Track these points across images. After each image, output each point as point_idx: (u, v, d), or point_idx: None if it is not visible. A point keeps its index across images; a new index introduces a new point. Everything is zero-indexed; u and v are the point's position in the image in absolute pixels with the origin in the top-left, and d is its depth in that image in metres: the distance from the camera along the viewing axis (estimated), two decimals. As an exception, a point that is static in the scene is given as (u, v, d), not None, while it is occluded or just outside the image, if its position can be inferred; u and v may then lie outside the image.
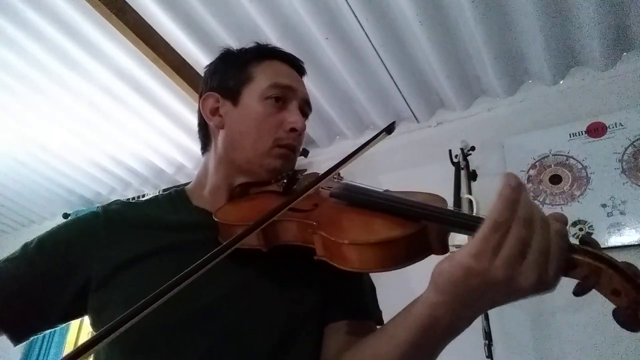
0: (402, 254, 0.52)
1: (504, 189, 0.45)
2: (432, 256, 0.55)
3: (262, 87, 0.78)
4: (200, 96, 0.84)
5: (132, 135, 2.75)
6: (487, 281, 0.43)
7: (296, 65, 0.85)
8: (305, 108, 0.83)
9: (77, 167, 3.13)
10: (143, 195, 3.21)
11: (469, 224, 0.49)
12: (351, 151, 0.67)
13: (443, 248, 0.54)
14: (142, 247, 0.69)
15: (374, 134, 0.70)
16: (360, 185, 0.68)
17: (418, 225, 0.53)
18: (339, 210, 0.64)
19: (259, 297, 0.68)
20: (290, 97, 0.79)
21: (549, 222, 0.45)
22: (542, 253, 0.43)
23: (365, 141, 0.69)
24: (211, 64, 0.88)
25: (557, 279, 0.44)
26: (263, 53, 0.83)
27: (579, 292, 0.45)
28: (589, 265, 0.44)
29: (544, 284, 0.44)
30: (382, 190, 0.67)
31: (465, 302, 0.46)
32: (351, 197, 0.65)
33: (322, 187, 0.72)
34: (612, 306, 0.44)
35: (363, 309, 0.75)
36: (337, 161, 0.65)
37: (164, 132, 2.71)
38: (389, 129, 0.71)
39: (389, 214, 0.57)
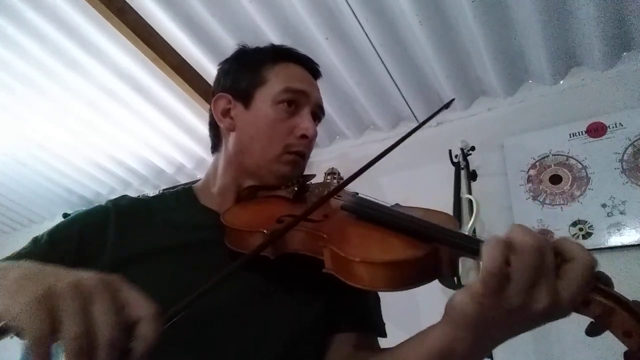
0: (411, 276, 0.51)
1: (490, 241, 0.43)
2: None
3: (275, 91, 0.77)
4: (213, 95, 0.83)
5: (132, 135, 2.75)
6: (502, 312, 0.43)
7: (311, 68, 0.84)
8: (318, 112, 0.82)
9: (77, 167, 3.13)
10: (143, 196, 3.20)
11: (480, 250, 0.47)
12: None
13: (453, 269, 0.53)
14: (149, 245, 0.69)
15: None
16: (371, 199, 0.67)
17: (430, 248, 0.52)
18: (350, 224, 0.63)
19: (263, 304, 0.68)
20: (303, 102, 0.78)
21: (566, 248, 0.43)
22: (554, 278, 0.42)
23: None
24: (225, 62, 0.86)
25: (572, 307, 0.43)
26: (278, 55, 0.82)
27: (592, 332, 0.44)
28: (602, 305, 0.43)
29: (557, 309, 0.43)
30: (392, 205, 0.66)
31: (481, 334, 0.46)
32: (363, 212, 0.64)
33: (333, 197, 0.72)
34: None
35: (368, 322, 0.74)
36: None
37: (164, 132, 2.70)
38: (447, 105, 0.69)
39: (401, 232, 0.56)
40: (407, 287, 0.51)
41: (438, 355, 0.49)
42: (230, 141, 0.80)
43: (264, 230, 0.62)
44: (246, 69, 0.81)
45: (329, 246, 0.56)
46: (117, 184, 3.32)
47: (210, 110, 0.83)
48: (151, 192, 3.20)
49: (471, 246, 0.48)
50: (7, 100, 2.49)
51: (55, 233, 0.71)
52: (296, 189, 0.74)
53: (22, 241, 0.72)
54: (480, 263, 0.43)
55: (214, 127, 0.84)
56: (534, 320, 0.44)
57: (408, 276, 0.51)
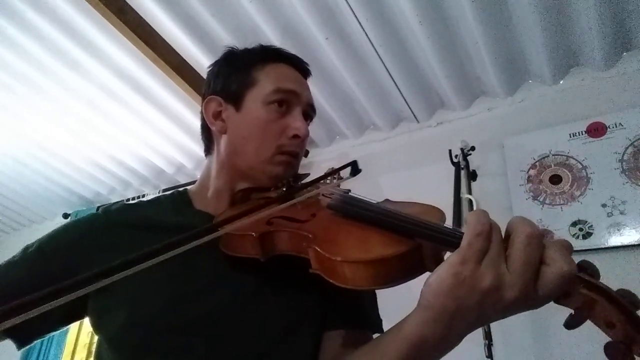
0: (395, 273, 0.51)
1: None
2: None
3: (266, 91, 0.77)
4: (203, 98, 0.83)
5: (132, 135, 2.75)
6: (474, 289, 0.44)
7: (301, 68, 0.84)
8: (309, 112, 0.82)
9: (77, 167, 3.13)
10: (143, 196, 3.21)
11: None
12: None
13: (437, 265, 0.52)
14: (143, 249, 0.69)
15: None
16: (359, 197, 0.66)
17: (412, 243, 0.51)
18: (335, 223, 0.63)
19: (257, 306, 0.68)
20: (294, 102, 0.78)
21: (541, 239, 0.45)
22: (527, 265, 0.43)
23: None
24: (214, 65, 0.86)
25: (545, 299, 0.44)
26: (267, 55, 0.82)
27: (570, 324, 0.44)
28: (583, 296, 0.43)
29: (529, 300, 0.44)
30: (381, 202, 0.66)
31: (454, 315, 0.46)
32: (347, 210, 0.64)
33: (323, 195, 0.72)
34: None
35: (361, 319, 0.74)
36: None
37: (164, 132, 2.71)
38: (354, 169, 0.70)
39: (384, 229, 0.56)
40: (391, 284, 0.51)
41: (415, 341, 0.49)
42: (222, 143, 0.80)
43: (253, 233, 0.62)
44: (236, 71, 0.81)
45: (312, 246, 0.56)
46: (117, 184, 3.32)
47: (201, 113, 0.83)
48: (151, 192, 3.20)
49: (454, 240, 0.48)
50: (7, 100, 2.49)
51: (44, 243, 0.71)
52: (285, 189, 0.74)
53: (22, 241, 0.72)
54: (465, 227, 0.45)
55: (205, 130, 0.84)
56: (506, 308, 0.45)
57: (391, 273, 0.51)
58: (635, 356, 0.40)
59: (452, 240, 0.49)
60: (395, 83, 2.15)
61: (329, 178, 0.79)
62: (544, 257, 0.44)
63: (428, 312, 0.47)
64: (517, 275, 0.43)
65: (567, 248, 0.45)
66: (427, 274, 0.52)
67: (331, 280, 0.54)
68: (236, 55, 0.84)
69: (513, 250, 0.44)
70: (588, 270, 0.45)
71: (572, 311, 0.44)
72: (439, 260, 0.52)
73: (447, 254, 0.52)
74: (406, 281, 0.51)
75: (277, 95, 0.76)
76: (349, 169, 0.76)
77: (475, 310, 0.45)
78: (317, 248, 0.56)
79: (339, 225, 0.62)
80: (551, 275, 0.43)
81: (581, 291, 0.43)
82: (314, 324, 0.70)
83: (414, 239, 0.52)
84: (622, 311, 0.41)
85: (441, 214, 0.59)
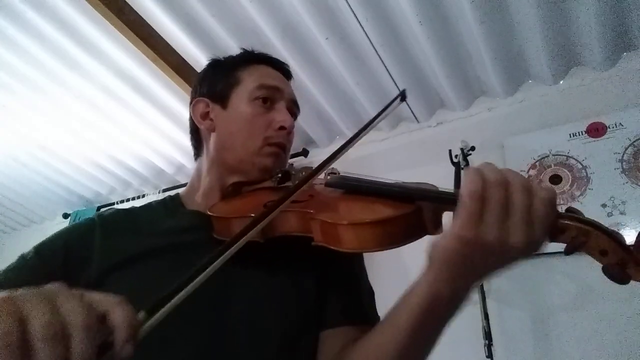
0: (399, 233, 0.54)
1: (468, 169, 0.48)
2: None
3: (250, 88, 0.80)
4: (191, 103, 0.86)
5: (132, 135, 2.75)
6: (480, 246, 0.45)
7: (282, 69, 0.88)
8: (293, 108, 0.86)
9: (77, 167, 3.13)
10: (143, 196, 3.21)
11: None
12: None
13: (437, 227, 0.57)
14: (137, 249, 0.69)
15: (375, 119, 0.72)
16: (354, 175, 0.70)
17: (413, 206, 0.55)
18: (335, 198, 0.66)
19: (252, 294, 0.68)
20: (277, 98, 0.82)
21: (532, 186, 0.46)
22: (526, 212, 0.45)
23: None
24: (200, 72, 0.91)
25: (544, 239, 0.47)
26: (250, 58, 0.87)
27: (568, 250, 0.48)
28: (577, 228, 0.47)
29: (532, 244, 0.46)
30: (375, 179, 0.68)
31: (463, 271, 0.48)
32: (346, 185, 0.67)
33: (315, 183, 0.74)
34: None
35: (362, 314, 0.74)
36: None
37: (164, 132, 2.71)
38: (403, 96, 0.73)
39: (384, 197, 0.59)
40: (395, 245, 0.54)
41: (428, 300, 0.51)
42: (211, 141, 0.83)
43: (252, 215, 0.62)
44: (220, 74, 0.85)
45: (317, 217, 0.58)
46: (117, 184, 3.32)
47: (190, 117, 0.87)
48: (151, 192, 3.20)
49: (450, 197, 0.52)
50: (7, 100, 2.49)
51: (41, 248, 0.72)
52: (280, 175, 0.77)
53: (21, 241, 0.72)
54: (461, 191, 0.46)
55: (194, 133, 0.88)
56: (511, 256, 0.47)
57: (396, 234, 0.53)
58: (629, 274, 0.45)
59: (449, 198, 0.52)
60: (395, 83, 2.15)
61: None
62: (530, 192, 0.46)
63: (437, 270, 0.49)
64: (518, 224, 0.45)
65: (547, 189, 0.48)
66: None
67: (336, 248, 0.56)
68: (220, 61, 0.89)
69: (513, 202, 0.45)
70: (576, 212, 0.49)
71: (568, 242, 0.48)
72: (437, 222, 0.56)
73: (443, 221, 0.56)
74: (408, 242, 0.54)
75: (261, 91, 0.80)
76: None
77: (482, 263, 0.47)
78: (321, 218, 0.58)
79: (340, 199, 0.65)
80: (540, 205, 0.45)
81: (574, 225, 0.47)
82: (311, 318, 0.70)
83: (414, 202, 0.55)
84: (612, 239, 0.46)
85: (432, 186, 0.62)
